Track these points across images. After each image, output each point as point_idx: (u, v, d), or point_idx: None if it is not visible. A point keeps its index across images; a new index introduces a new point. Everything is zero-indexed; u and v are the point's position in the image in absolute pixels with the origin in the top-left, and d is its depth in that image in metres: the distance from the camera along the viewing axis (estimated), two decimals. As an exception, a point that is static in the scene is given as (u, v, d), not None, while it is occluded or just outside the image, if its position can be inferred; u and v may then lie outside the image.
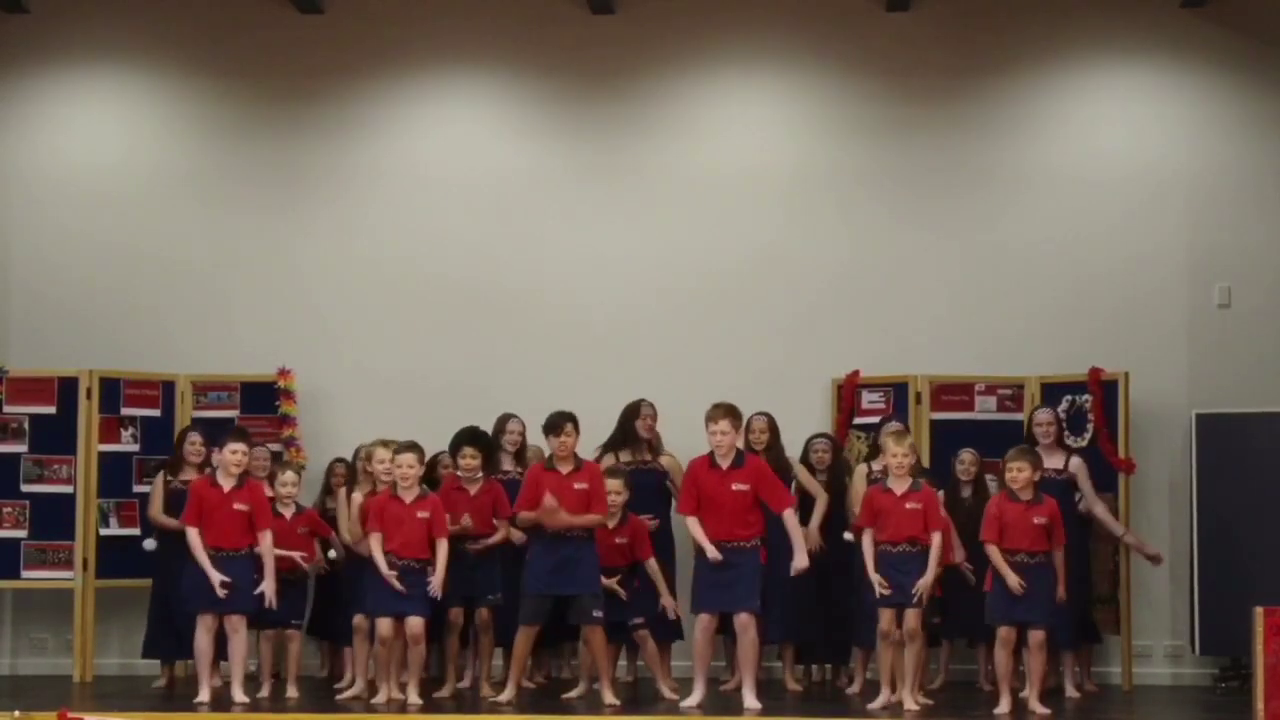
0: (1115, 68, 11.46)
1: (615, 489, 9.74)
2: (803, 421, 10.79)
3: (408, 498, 9.60)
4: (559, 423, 9.49)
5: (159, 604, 10.42)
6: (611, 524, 9.73)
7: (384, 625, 9.52)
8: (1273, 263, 10.46)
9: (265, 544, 9.60)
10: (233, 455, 9.62)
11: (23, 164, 11.69)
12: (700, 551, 9.45)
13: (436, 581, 9.51)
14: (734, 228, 11.48)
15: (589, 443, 10.00)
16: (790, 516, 9.42)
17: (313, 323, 11.49)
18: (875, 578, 9.35)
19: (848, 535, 10.04)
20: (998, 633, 9.32)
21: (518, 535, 9.81)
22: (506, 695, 9.50)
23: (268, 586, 9.55)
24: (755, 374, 10.97)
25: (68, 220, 11.63)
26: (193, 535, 9.53)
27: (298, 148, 11.63)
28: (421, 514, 9.58)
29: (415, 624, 9.52)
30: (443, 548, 9.56)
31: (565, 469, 9.51)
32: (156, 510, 10.39)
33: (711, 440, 9.37)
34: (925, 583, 9.28)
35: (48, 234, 11.62)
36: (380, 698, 9.56)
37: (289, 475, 10.06)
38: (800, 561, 9.35)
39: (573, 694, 9.81)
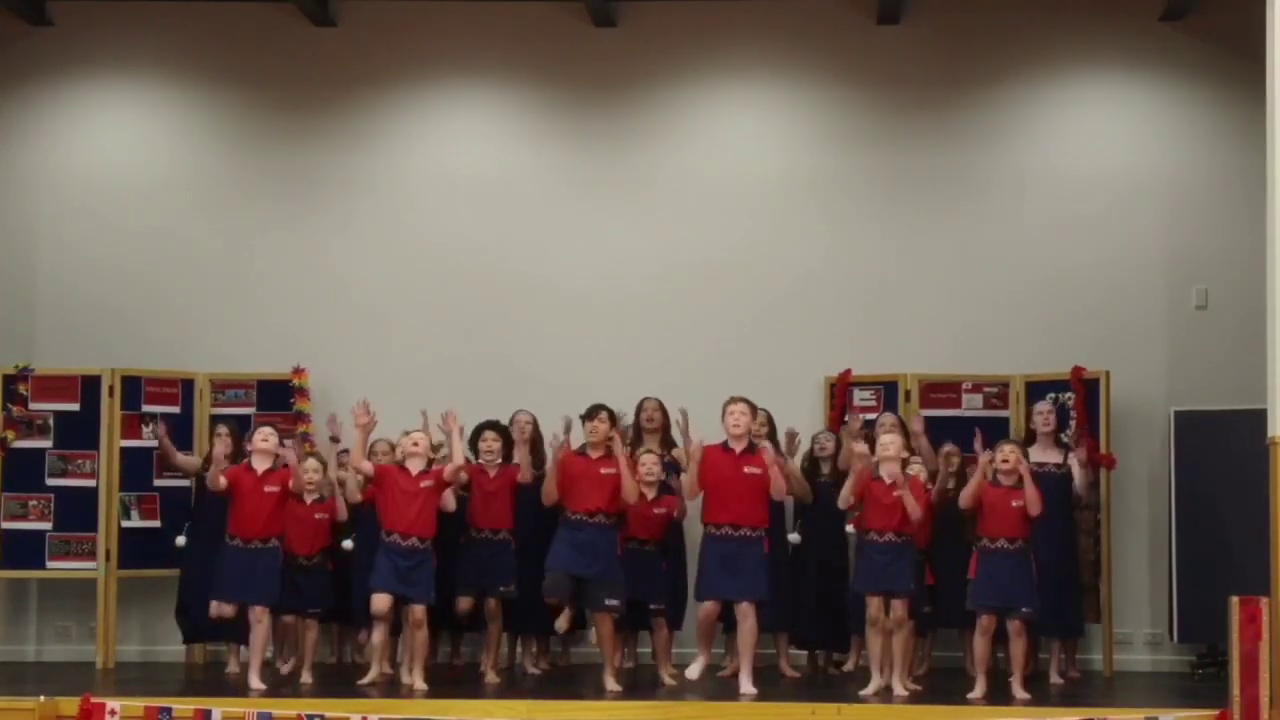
0: (1097, 79, 11.63)
1: (653, 462, 9.96)
2: (797, 419, 10.72)
3: (414, 469, 9.76)
4: (593, 411, 9.79)
5: (187, 590, 10.67)
6: (650, 495, 9.93)
7: (380, 600, 9.62)
8: (1247, 265, 10.50)
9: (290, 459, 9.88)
10: (263, 442, 9.82)
11: (50, 171, 11.85)
12: (705, 540, 9.63)
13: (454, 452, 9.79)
14: (730, 232, 11.65)
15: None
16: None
17: (327, 322, 11.67)
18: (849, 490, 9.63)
19: (850, 529, 10.19)
20: (978, 620, 9.49)
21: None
22: (562, 622, 9.78)
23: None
24: (751, 373, 11.07)
25: (92, 225, 11.80)
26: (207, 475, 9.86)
27: (311, 155, 11.80)
28: (425, 484, 9.72)
29: (417, 610, 9.65)
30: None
31: (595, 454, 9.75)
32: (180, 459, 10.75)
33: (729, 421, 9.61)
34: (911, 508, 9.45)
35: (73, 239, 11.78)
36: (369, 677, 9.72)
37: (311, 462, 10.17)
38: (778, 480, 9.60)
39: (560, 625, 9.95)
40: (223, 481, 9.79)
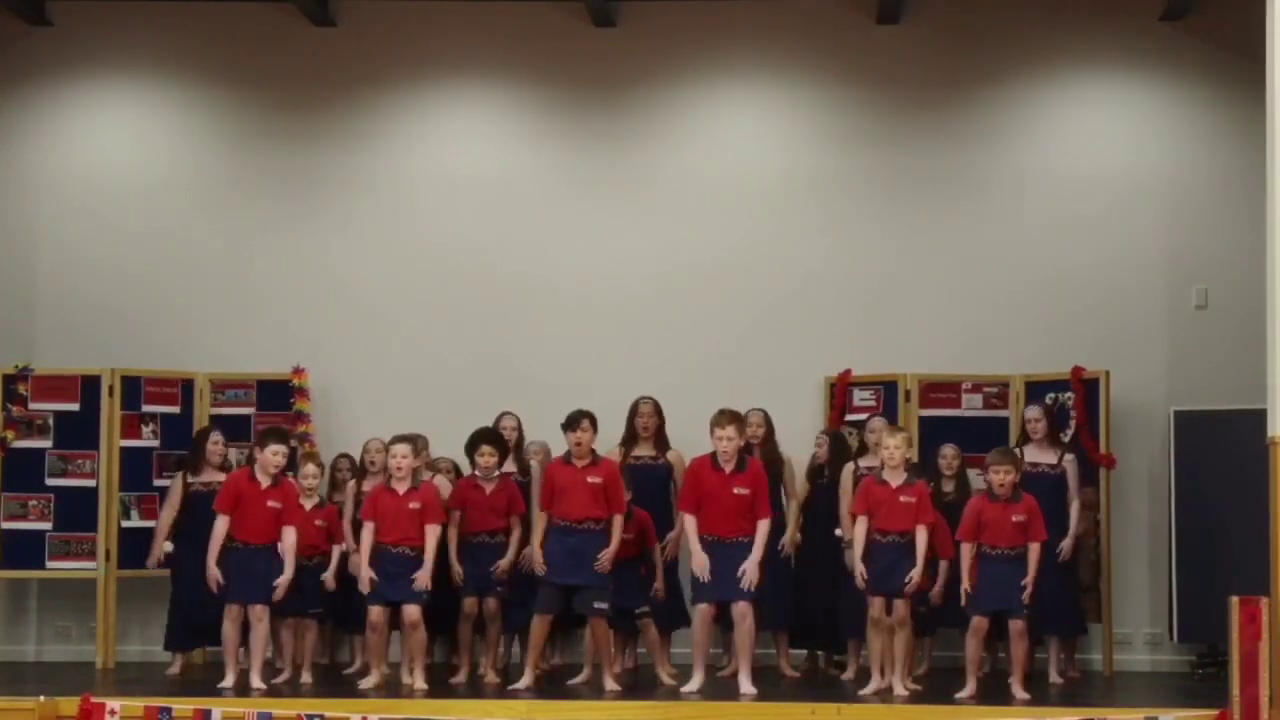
0: (1098, 79, 11.65)
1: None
2: (797, 418, 10.99)
3: (400, 488, 9.77)
4: (575, 420, 9.66)
5: (177, 600, 10.62)
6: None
7: (374, 612, 9.68)
8: (1247, 265, 10.54)
9: (288, 540, 9.73)
10: (273, 456, 9.75)
11: (50, 171, 11.88)
12: (699, 544, 9.58)
13: (423, 574, 9.65)
14: (730, 232, 11.67)
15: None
16: (764, 527, 9.58)
17: (327, 322, 11.69)
18: (859, 567, 9.57)
19: (838, 532, 10.21)
20: (971, 621, 9.53)
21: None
22: (525, 682, 9.63)
23: (283, 579, 9.73)
24: (751, 373, 11.17)
25: (92, 225, 11.82)
26: (219, 524, 9.71)
27: (311, 154, 11.82)
28: (413, 505, 9.73)
29: (411, 611, 9.65)
30: (433, 535, 9.72)
31: (581, 463, 9.70)
32: (166, 521, 10.63)
33: (718, 445, 9.53)
34: (915, 576, 9.48)
35: (73, 239, 11.81)
36: (369, 682, 9.71)
37: (310, 468, 10.21)
38: (750, 578, 9.48)
39: (577, 679, 10.00)
40: (220, 535, 9.75)
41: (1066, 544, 10.34)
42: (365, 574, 9.72)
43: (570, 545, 9.64)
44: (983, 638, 9.58)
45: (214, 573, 9.70)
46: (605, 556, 9.63)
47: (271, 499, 9.78)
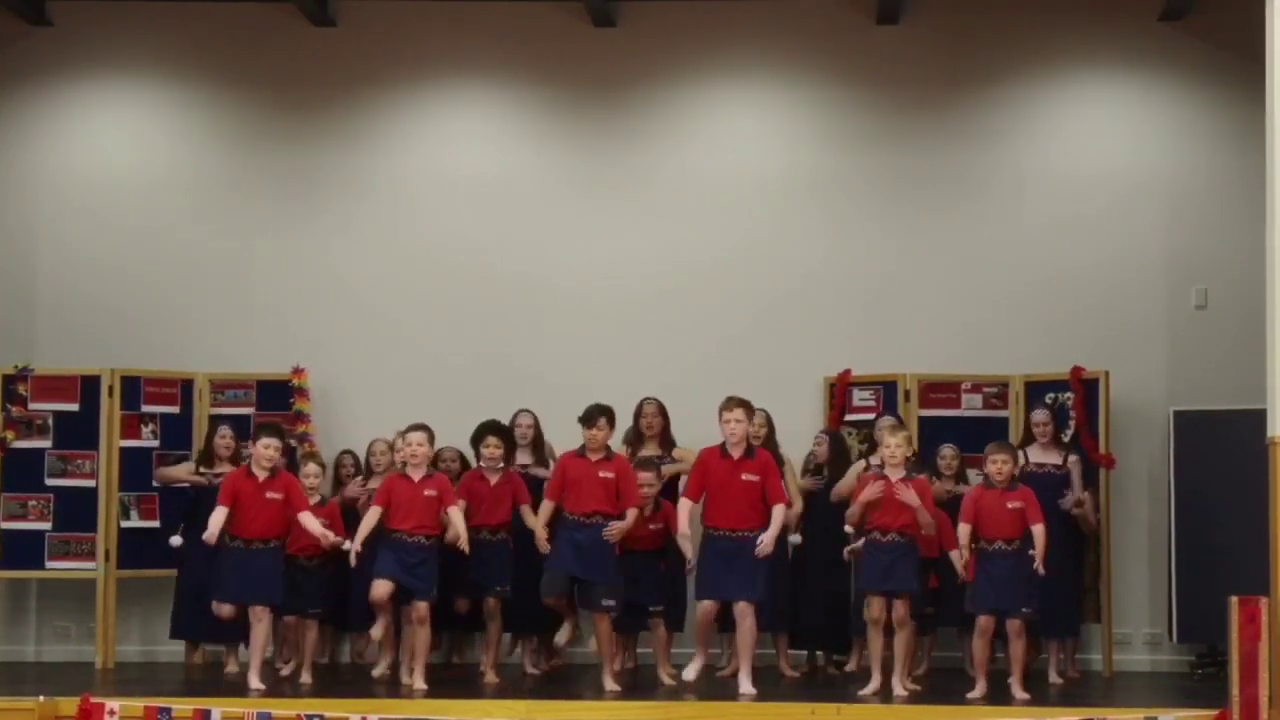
0: (1097, 79, 11.66)
1: (648, 481, 9.98)
2: (797, 418, 11.00)
3: (416, 476, 9.78)
4: (593, 415, 9.72)
5: (184, 590, 10.69)
6: (646, 511, 9.94)
7: (379, 586, 9.63)
8: (1246, 265, 10.53)
9: (306, 521, 9.71)
10: (265, 450, 9.71)
11: (50, 171, 11.88)
12: (704, 541, 9.62)
13: (464, 539, 9.65)
14: (731, 232, 11.67)
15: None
16: (780, 511, 9.60)
17: (327, 322, 11.69)
18: (852, 516, 9.66)
19: (849, 529, 10.15)
20: (976, 621, 9.54)
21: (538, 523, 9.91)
22: (563, 635, 9.94)
23: (341, 543, 9.77)
24: (751, 373, 11.10)
25: (92, 225, 11.82)
26: (218, 514, 9.67)
27: (311, 154, 11.83)
28: (429, 492, 9.74)
29: (420, 607, 9.66)
30: (457, 511, 9.74)
31: (595, 457, 9.73)
32: (173, 471, 10.80)
33: (725, 429, 9.56)
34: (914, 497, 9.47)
35: (73, 239, 11.81)
36: (376, 633, 9.81)
37: (312, 467, 10.24)
38: (765, 548, 9.50)
39: (560, 638, 10.11)
40: (218, 521, 9.71)
41: (1072, 497, 10.38)
42: (356, 546, 9.71)
43: (579, 541, 9.66)
44: (989, 638, 9.59)
45: (214, 528, 9.67)
46: (616, 528, 9.64)
47: (271, 491, 9.77)
